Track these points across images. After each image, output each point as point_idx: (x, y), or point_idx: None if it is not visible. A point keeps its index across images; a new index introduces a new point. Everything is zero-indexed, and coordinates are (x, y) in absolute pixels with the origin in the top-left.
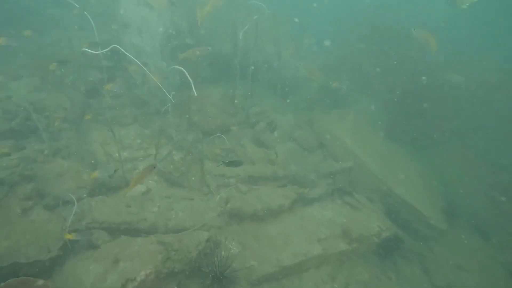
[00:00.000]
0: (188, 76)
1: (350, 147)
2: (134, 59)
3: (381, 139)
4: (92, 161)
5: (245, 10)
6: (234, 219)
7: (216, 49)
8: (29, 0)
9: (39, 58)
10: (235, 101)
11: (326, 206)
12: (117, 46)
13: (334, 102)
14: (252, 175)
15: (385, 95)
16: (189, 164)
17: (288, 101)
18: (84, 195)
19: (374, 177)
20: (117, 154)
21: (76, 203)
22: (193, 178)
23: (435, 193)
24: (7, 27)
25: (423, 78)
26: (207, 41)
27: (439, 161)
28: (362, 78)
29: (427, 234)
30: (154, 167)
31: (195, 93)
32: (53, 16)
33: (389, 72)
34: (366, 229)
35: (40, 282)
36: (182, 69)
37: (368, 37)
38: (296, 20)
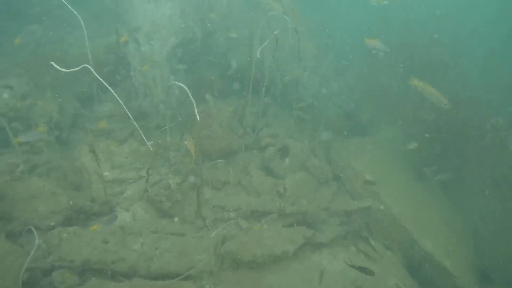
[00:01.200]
0: (191, 96)
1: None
2: (103, 82)
3: (406, 177)
4: (76, 180)
5: (266, 22)
6: (229, 263)
7: (230, 60)
8: None
9: (35, 57)
10: (246, 121)
11: (337, 254)
12: (88, 66)
13: (356, 128)
14: (256, 209)
15: (414, 127)
16: (185, 191)
17: (305, 123)
18: (53, 224)
19: (395, 222)
20: (106, 173)
21: (37, 237)
22: (188, 209)
23: (468, 248)
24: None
25: (464, 117)
26: (222, 52)
27: (474, 211)
28: (390, 104)
29: None
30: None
31: (198, 117)
32: (62, 14)
33: (422, 102)
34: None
35: None
36: (183, 85)
37: (401, 60)
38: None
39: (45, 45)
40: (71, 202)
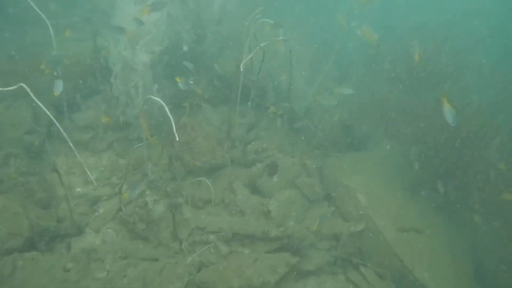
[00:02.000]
0: (168, 113)
1: (363, 205)
2: (41, 105)
3: (403, 198)
4: (44, 197)
5: (260, 29)
6: None
7: (221, 67)
8: None
9: (12, 61)
10: (233, 133)
11: (325, 284)
12: (23, 85)
13: (352, 142)
14: (238, 232)
15: (414, 143)
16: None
17: (297, 136)
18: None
19: (389, 249)
20: (78, 189)
21: None
22: (164, 230)
23: (468, 280)
24: None
25: (467, 135)
26: (212, 58)
27: (477, 238)
28: (388, 118)
29: None
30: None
31: (177, 137)
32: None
33: (423, 118)
34: None
35: None
36: (160, 101)
37: (403, 72)
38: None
39: (28, 49)
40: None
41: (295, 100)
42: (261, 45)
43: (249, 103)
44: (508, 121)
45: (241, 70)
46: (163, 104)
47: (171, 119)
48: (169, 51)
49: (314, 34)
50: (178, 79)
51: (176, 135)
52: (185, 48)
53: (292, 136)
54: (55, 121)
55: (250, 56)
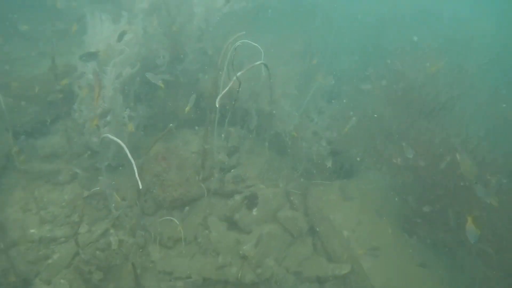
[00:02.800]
0: (128, 152)
1: (349, 244)
2: None
3: (393, 234)
4: None
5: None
6: None
7: (202, 87)
8: None
9: None
10: (210, 160)
11: None
12: None
13: (340, 169)
14: (209, 277)
15: (405, 172)
16: (128, 252)
17: (282, 162)
18: None
19: None
20: (32, 230)
21: None
22: (127, 277)
23: None
24: None
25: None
26: (192, 79)
27: (475, 284)
28: (377, 145)
29: None
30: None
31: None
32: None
33: (414, 145)
34: None
35: None
36: (119, 141)
37: (394, 94)
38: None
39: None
40: None
41: (279, 124)
42: (238, 74)
43: (224, 134)
44: (507, 157)
45: (217, 106)
46: (123, 144)
47: (133, 162)
48: (144, 70)
49: (301, 51)
50: (187, 109)
51: (139, 181)
52: (162, 67)
53: (276, 161)
54: None
55: (226, 89)
